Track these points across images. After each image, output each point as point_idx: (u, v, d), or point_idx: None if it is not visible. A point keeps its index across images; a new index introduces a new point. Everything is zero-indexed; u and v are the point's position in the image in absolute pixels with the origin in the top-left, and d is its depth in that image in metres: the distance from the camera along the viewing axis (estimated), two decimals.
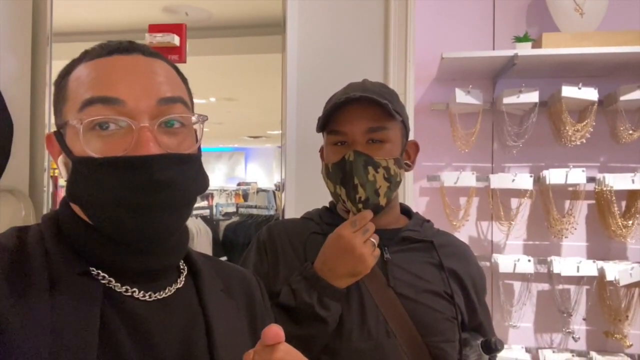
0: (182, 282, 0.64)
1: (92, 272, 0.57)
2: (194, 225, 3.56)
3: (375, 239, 0.89)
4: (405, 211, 1.08)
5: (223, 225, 3.70)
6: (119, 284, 0.57)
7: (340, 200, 0.97)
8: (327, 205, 1.09)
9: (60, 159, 0.60)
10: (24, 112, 1.59)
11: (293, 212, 1.66)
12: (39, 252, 0.56)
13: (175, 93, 0.59)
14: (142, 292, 0.58)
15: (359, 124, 0.93)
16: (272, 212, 4.08)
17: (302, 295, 0.87)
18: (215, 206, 4.63)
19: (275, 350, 0.51)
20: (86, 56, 0.60)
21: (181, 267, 0.66)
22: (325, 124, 0.97)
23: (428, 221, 1.07)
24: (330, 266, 0.88)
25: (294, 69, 1.70)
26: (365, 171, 0.91)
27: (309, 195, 1.07)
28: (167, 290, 0.61)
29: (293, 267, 0.94)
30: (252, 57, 3.54)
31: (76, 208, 0.59)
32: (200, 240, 3.48)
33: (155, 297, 0.59)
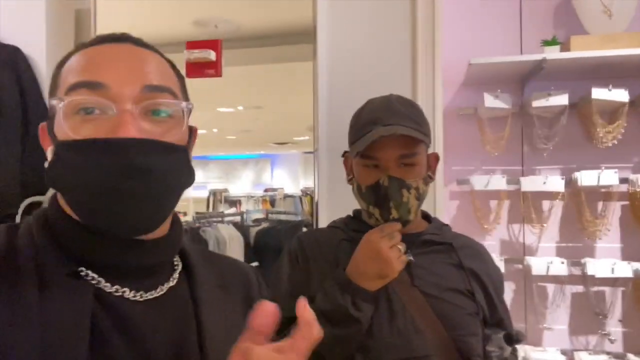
0: (175, 280, 0.62)
1: (82, 273, 0.55)
2: (227, 232, 3.65)
3: (402, 247, 0.95)
4: (425, 216, 1.14)
5: (253, 231, 3.78)
6: (108, 284, 0.56)
7: (373, 218, 1.03)
8: (351, 213, 1.15)
9: (50, 148, 0.59)
10: None
11: (325, 217, 1.70)
12: (29, 250, 0.55)
13: (163, 82, 0.58)
14: (132, 291, 0.57)
15: (392, 152, 0.99)
16: (300, 218, 4.14)
17: (336, 298, 0.93)
18: (246, 212, 4.72)
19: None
20: (81, 47, 0.60)
21: (175, 263, 0.64)
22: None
23: (446, 225, 1.13)
24: (361, 270, 0.94)
25: (325, 76, 1.75)
26: (400, 194, 0.98)
27: (340, 199, 1.12)
28: (159, 289, 0.60)
29: (324, 273, 1.01)
30: (279, 66, 3.62)
31: (62, 202, 0.58)
32: (233, 246, 3.56)
33: (146, 296, 0.58)
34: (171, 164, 0.57)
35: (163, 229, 0.61)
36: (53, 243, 0.57)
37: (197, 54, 1.77)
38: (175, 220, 0.64)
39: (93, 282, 0.56)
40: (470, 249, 1.09)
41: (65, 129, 0.54)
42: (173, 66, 0.64)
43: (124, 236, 0.56)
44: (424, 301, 0.98)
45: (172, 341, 0.57)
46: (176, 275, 0.63)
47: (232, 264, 0.74)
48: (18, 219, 1.75)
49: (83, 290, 0.54)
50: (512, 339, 1.01)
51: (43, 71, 1.92)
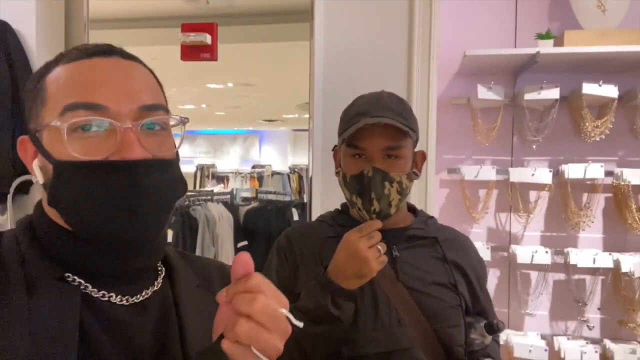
0: (159, 285, 0.63)
1: (68, 278, 0.56)
2: (216, 210, 3.66)
3: (382, 248, 0.97)
4: (411, 209, 1.16)
5: (243, 210, 3.80)
6: (95, 289, 0.57)
7: (355, 208, 1.05)
8: (339, 207, 1.17)
9: (36, 162, 0.59)
10: None
11: (318, 194, 1.71)
12: (14, 257, 0.55)
13: (156, 100, 0.59)
14: (119, 296, 0.58)
15: (378, 142, 1.00)
16: (289, 198, 4.16)
17: (317, 298, 0.95)
18: (235, 191, 4.71)
19: (249, 279, 0.51)
20: (63, 58, 0.59)
21: (159, 268, 0.66)
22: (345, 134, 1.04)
23: (432, 217, 1.16)
24: (339, 269, 0.96)
25: (321, 56, 1.74)
26: (382, 186, 0.99)
27: (334, 179, 1.14)
28: (144, 293, 0.61)
29: (311, 269, 1.04)
30: (272, 45, 3.58)
31: (51, 212, 0.59)
32: (222, 225, 3.59)
33: (132, 301, 0.59)
34: (169, 180, 0.59)
35: None
36: (39, 249, 0.57)
37: (193, 37, 1.74)
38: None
39: (80, 287, 0.57)
40: (454, 242, 1.12)
41: (68, 148, 0.54)
42: (154, 75, 0.65)
43: (125, 249, 0.58)
44: (408, 295, 1.01)
45: (157, 343, 0.59)
46: (160, 279, 0.64)
47: (212, 264, 0.76)
48: (10, 198, 1.75)
49: (71, 294, 0.55)
50: (493, 328, 1.04)
51: (33, 47, 1.88)
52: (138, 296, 0.60)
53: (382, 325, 0.99)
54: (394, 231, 1.06)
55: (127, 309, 0.58)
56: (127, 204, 0.54)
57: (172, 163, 0.60)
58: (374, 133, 1.00)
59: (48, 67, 0.60)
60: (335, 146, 1.14)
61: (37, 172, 0.59)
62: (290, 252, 1.09)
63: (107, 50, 0.59)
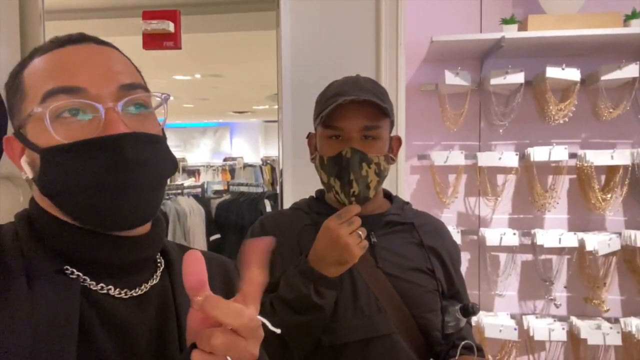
0: (158, 278, 0.63)
1: (67, 271, 0.56)
2: (187, 204, 3.61)
3: (362, 233, 0.95)
4: (387, 195, 1.16)
5: (214, 203, 3.75)
6: (94, 282, 0.57)
7: (332, 191, 1.03)
8: (314, 194, 1.15)
9: (24, 159, 0.59)
10: None
11: (290, 185, 1.70)
12: (14, 251, 0.56)
13: (134, 79, 0.59)
14: (117, 289, 0.58)
15: (355, 121, 0.99)
16: (261, 189, 4.12)
17: (299, 287, 0.94)
18: (207, 184, 4.65)
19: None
20: (37, 52, 0.59)
21: (158, 261, 0.66)
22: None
23: (407, 203, 1.16)
24: (320, 256, 0.95)
25: (288, 45, 1.72)
26: (360, 167, 0.98)
27: (304, 169, 1.12)
28: (142, 287, 0.61)
29: (287, 258, 1.01)
30: (240, 34, 3.52)
31: (45, 204, 0.59)
32: (194, 219, 3.53)
33: (130, 294, 0.59)
34: (158, 154, 0.59)
35: (146, 226, 0.62)
36: (38, 242, 0.57)
37: (155, 25, 1.69)
38: (158, 218, 0.65)
39: (79, 280, 0.56)
40: (430, 227, 1.13)
41: (53, 135, 0.54)
42: (130, 61, 0.64)
43: (123, 230, 0.58)
44: (387, 282, 1.00)
45: (155, 337, 0.59)
46: (159, 272, 0.64)
47: (210, 258, 0.72)
48: None
49: (71, 286, 0.55)
50: (468, 310, 1.05)
51: None
52: (137, 289, 0.60)
53: (361, 313, 0.98)
54: (372, 217, 1.05)
55: (126, 302, 0.58)
56: (117, 180, 0.54)
57: (159, 138, 0.60)
58: (352, 113, 0.98)
59: (23, 63, 0.60)
60: (310, 133, 1.12)
61: (26, 167, 0.59)
62: None
63: (81, 38, 0.60)
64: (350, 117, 0.99)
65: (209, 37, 3.49)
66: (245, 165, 7.42)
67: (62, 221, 0.57)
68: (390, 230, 1.07)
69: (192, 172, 7.04)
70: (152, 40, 1.77)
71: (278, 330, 0.51)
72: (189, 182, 5.71)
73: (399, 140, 1.12)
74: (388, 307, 1.00)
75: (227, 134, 9.93)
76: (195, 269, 0.51)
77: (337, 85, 1.06)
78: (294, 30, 1.72)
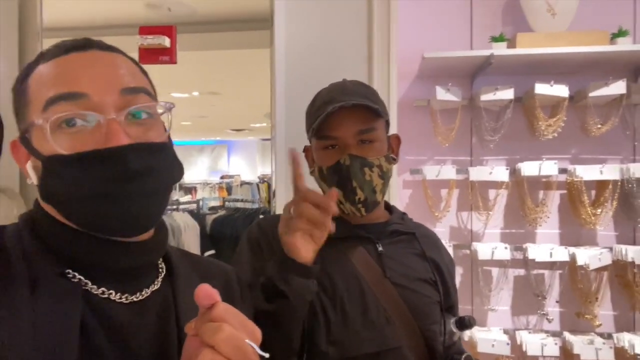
0: (159, 284, 0.64)
1: (69, 275, 0.56)
2: (182, 220, 3.61)
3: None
4: (385, 205, 1.14)
5: (210, 219, 3.76)
6: (95, 286, 0.57)
7: (336, 202, 0.98)
8: None
9: (29, 164, 0.59)
10: (12, 111, 1.62)
11: (283, 204, 1.72)
12: (17, 252, 0.56)
13: (137, 83, 0.60)
14: (118, 293, 0.58)
15: (349, 127, 0.97)
16: (257, 205, 4.14)
17: (268, 270, 0.89)
18: (202, 200, 4.66)
19: (214, 308, 0.49)
20: (43, 57, 0.60)
21: (160, 267, 0.66)
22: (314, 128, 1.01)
23: (405, 214, 1.15)
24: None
25: (282, 63, 1.75)
26: (362, 173, 0.96)
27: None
28: (144, 292, 0.61)
29: None
30: (236, 52, 3.58)
31: (48, 207, 0.59)
32: (188, 234, 3.53)
33: (131, 299, 0.59)
34: (163, 162, 0.59)
35: (149, 232, 0.62)
36: (41, 245, 0.58)
37: (151, 40, 1.73)
38: (161, 224, 0.65)
39: (81, 284, 0.57)
40: (429, 239, 1.11)
41: (54, 145, 0.55)
42: (138, 64, 0.65)
43: (127, 237, 0.58)
44: (396, 292, 0.98)
45: (155, 342, 0.59)
46: (160, 278, 0.64)
47: (213, 265, 0.76)
48: None
49: (72, 290, 0.55)
50: (465, 323, 1.03)
51: None
52: (138, 294, 0.60)
53: (371, 325, 0.95)
54: (377, 226, 1.04)
55: (127, 307, 0.58)
56: (120, 189, 0.54)
57: (163, 146, 0.60)
58: (344, 119, 0.96)
59: (29, 67, 0.60)
60: (306, 146, 1.10)
61: (31, 173, 0.59)
62: (266, 242, 1.01)
63: (85, 44, 0.60)
64: (342, 124, 0.97)
65: (206, 55, 3.55)
66: (242, 183, 7.43)
67: (64, 225, 0.58)
68: (394, 239, 1.05)
69: (189, 190, 7.05)
70: (148, 55, 1.81)
71: (267, 355, 0.50)
72: (186, 199, 5.71)
73: (397, 139, 1.09)
74: (396, 318, 0.97)
75: (224, 152, 9.95)
76: (206, 296, 0.50)
77: (325, 93, 1.04)
78: (287, 48, 1.75)
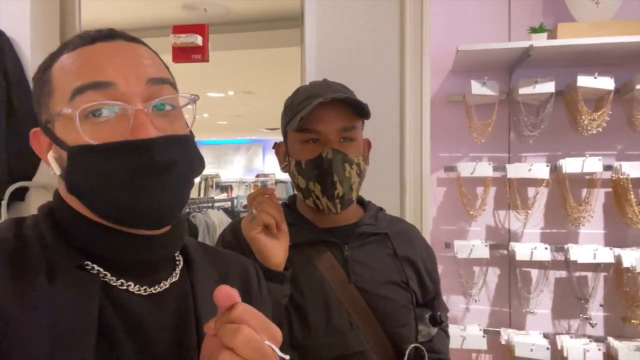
0: (177, 276, 0.64)
1: (87, 267, 0.57)
2: (216, 217, 3.66)
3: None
4: (359, 201, 1.13)
5: (244, 216, 3.80)
6: (114, 278, 0.57)
7: (312, 196, 1.00)
8: (287, 201, 1.13)
9: (50, 154, 0.59)
10: None
11: None
12: (36, 243, 0.56)
13: (162, 74, 0.60)
14: (137, 286, 0.58)
15: (333, 123, 0.98)
16: None
17: None
18: (237, 198, 4.73)
19: (233, 309, 0.48)
20: (67, 47, 0.59)
21: (177, 259, 0.66)
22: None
23: (382, 210, 1.13)
24: None
25: (312, 61, 1.74)
26: (343, 168, 0.96)
27: None
28: (161, 285, 0.61)
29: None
30: (269, 51, 3.60)
31: (69, 199, 0.59)
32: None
33: (150, 291, 0.59)
34: (186, 155, 0.59)
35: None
36: (60, 236, 0.58)
37: (184, 39, 1.75)
38: (180, 217, 0.65)
39: (99, 275, 0.57)
40: (404, 236, 1.10)
41: (82, 133, 0.54)
42: (159, 57, 0.65)
43: (150, 229, 0.58)
44: (360, 297, 0.99)
45: (173, 335, 0.59)
46: (178, 270, 0.65)
47: (231, 258, 0.76)
48: (4, 205, 1.75)
49: (91, 281, 0.55)
50: (436, 320, 1.04)
51: (27, 54, 1.90)
52: (156, 287, 0.60)
53: (334, 330, 0.96)
54: (345, 228, 1.04)
55: (145, 299, 0.59)
56: (146, 182, 0.55)
57: (187, 138, 0.60)
58: (329, 114, 0.97)
59: (53, 57, 0.60)
60: (276, 143, 1.11)
61: (53, 163, 0.59)
62: (237, 246, 1.02)
63: (110, 35, 0.60)
64: (327, 119, 0.97)
65: (239, 54, 3.59)
66: (277, 182, 7.50)
67: (84, 217, 0.58)
68: (363, 241, 1.04)
69: (225, 188, 7.16)
70: (181, 54, 1.83)
71: (287, 357, 0.50)
72: (221, 197, 5.81)
73: (369, 143, 1.11)
74: (361, 323, 0.97)
75: (259, 150, 10.07)
76: (226, 298, 0.49)
77: (307, 89, 1.04)
78: (318, 45, 1.74)
